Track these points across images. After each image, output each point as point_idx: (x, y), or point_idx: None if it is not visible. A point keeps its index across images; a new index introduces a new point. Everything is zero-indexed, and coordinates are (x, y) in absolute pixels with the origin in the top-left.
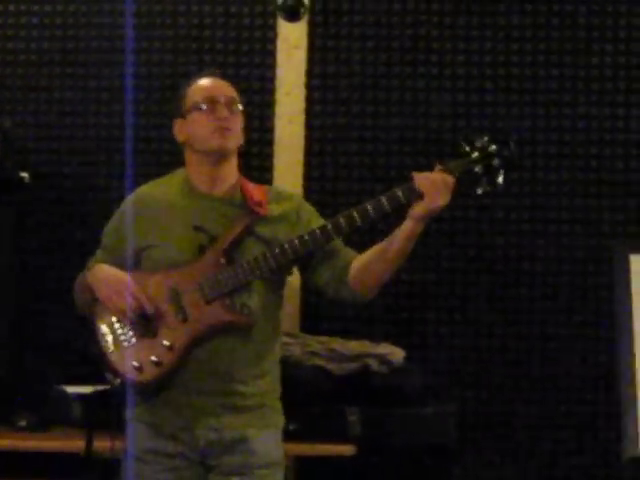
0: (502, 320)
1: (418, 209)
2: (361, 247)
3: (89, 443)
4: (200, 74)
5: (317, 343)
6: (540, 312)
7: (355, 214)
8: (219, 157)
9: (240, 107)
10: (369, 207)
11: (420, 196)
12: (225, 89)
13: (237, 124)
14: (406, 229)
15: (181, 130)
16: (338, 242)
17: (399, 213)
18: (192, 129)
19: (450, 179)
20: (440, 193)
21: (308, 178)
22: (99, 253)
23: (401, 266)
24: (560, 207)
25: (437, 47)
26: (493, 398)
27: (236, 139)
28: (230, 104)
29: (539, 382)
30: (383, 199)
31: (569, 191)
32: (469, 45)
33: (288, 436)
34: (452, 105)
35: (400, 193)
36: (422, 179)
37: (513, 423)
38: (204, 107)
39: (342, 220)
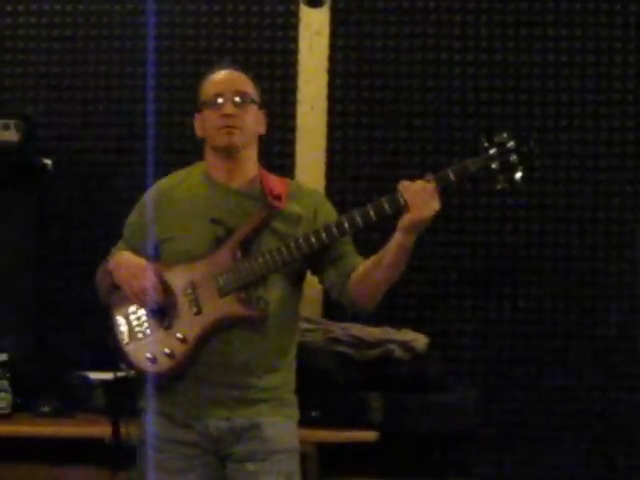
0: (525, 306)
1: (404, 221)
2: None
3: (115, 429)
4: (216, 67)
5: (339, 329)
6: (563, 298)
7: (358, 217)
8: (228, 153)
9: (253, 99)
10: (371, 212)
11: (405, 206)
12: (234, 83)
13: (245, 119)
14: (395, 242)
15: (198, 125)
16: (350, 247)
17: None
18: (205, 125)
19: (429, 186)
20: (424, 202)
21: (330, 165)
22: (120, 244)
23: (399, 275)
24: (583, 193)
25: (459, 34)
26: (516, 384)
27: (243, 135)
28: (237, 99)
29: (563, 368)
30: (370, 209)
31: (592, 178)
32: (492, 31)
33: (310, 422)
34: (474, 91)
35: (386, 205)
36: (405, 189)
37: (536, 409)
38: (212, 103)
39: (357, 216)
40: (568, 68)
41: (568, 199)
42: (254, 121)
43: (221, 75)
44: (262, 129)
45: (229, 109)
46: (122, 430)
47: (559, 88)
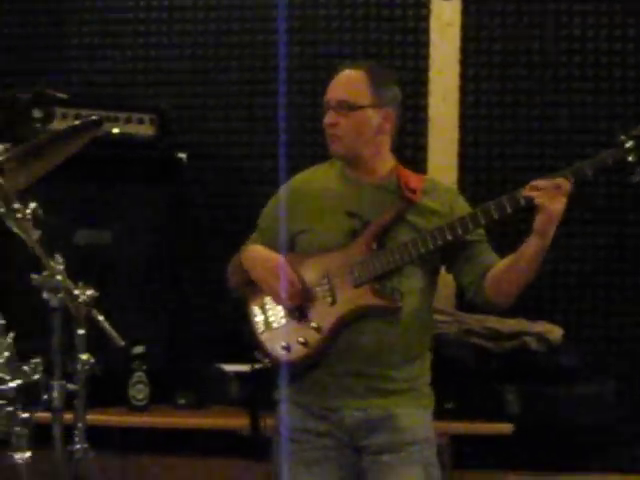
0: None
1: (537, 224)
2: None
3: (254, 421)
4: (340, 66)
5: (473, 321)
6: None
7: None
8: (342, 159)
9: (356, 105)
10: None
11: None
12: (339, 90)
13: (345, 128)
14: (532, 244)
15: None
16: (485, 245)
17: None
18: None
19: (563, 182)
20: (553, 199)
21: (462, 156)
22: (255, 235)
23: (535, 276)
24: None
25: (592, 22)
26: None
27: (343, 143)
28: (340, 107)
29: None
30: (505, 201)
31: None
32: (626, 20)
33: (445, 415)
34: (607, 80)
35: (520, 197)
36: (534, 186)
37: None
38: (324, 110)
39: (492, 208)
40: None
41: None
42: (356, 127)
43: (335, 79)
44: (378, 129)
45: (329, 118)
46: (260, 422)
47: None
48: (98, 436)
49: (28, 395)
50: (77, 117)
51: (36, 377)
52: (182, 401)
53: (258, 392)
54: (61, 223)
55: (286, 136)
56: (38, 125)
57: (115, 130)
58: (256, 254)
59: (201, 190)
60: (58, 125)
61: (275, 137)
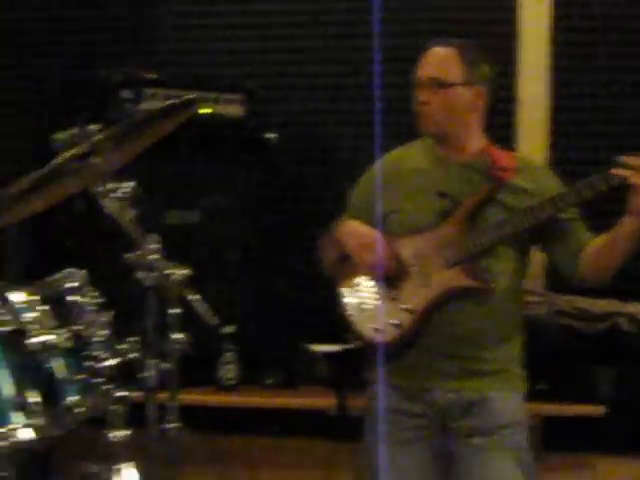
0: None
1: (632, 205)
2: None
3: (341, 401)
4: (429, 43)
5: (564, 302)
6: None
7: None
8: (432, 137)
9: (447, 82)
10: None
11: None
12: (431, 67)
13: (436, 106)
14: (627, 225)
15: None
16: (579, 223)
17: None
18: None
19: None
20: None
21: (553, 135)
22: (345, 215)
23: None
24: None
25: None
26: None
27: (433, 121)
28: (431, 85)
29: None
30: (598, 180)
31: None
32: None
33: (536, 396)
34: None
35: (615, 176)
36: (628, 165)
37: None
38: (414, 88)
39: (584, 187)
40: None
41: None
42: (447, 105)
43: (425, 57)
44: (468, 107)
45: (421, 95)
46: (347, 402)
47: None
48: (187, 415)
49: (124, 374)
50: (166, 97)
51: (132, 356)
52: (270, 381)
53: (345, 372)
54: (151, 203)
55: (379, 116)
56: (128, 106)
57: (204, 110)
58: (352, 229)
59: (289, 170)
60: (147, 106)
61: (365, 117)
